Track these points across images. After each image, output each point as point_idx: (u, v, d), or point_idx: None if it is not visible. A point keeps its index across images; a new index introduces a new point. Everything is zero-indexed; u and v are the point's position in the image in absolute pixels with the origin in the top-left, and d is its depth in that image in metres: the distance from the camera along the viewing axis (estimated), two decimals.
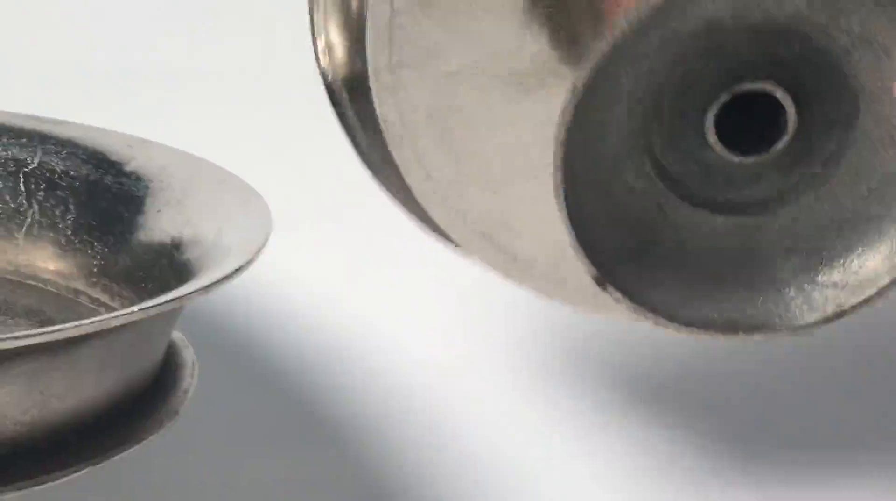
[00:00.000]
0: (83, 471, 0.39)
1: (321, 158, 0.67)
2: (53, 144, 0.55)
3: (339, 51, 0.46)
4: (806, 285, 0.38)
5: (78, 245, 0.53)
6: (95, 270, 0.52)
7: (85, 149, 0.55)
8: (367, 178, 0.61)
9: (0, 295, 0.54)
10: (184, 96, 0.70)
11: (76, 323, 0.38)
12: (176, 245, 0.48)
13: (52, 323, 0.47)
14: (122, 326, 0.39)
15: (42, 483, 0.39)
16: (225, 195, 0.50)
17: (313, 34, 0.46)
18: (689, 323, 0.38)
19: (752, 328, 0.38)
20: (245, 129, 0.67)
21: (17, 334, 0.39)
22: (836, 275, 0.38)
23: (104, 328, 0.39)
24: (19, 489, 0.39)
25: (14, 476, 0.39)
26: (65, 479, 0.39)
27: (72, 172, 0.54)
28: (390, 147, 0.43)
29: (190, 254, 0.47)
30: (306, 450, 0.67)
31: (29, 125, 0.56)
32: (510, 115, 0.43)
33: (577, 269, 0.35)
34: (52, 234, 0.54)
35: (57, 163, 0.55)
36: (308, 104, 0.70)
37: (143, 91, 0.71)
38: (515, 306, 0.66)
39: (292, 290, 0.66)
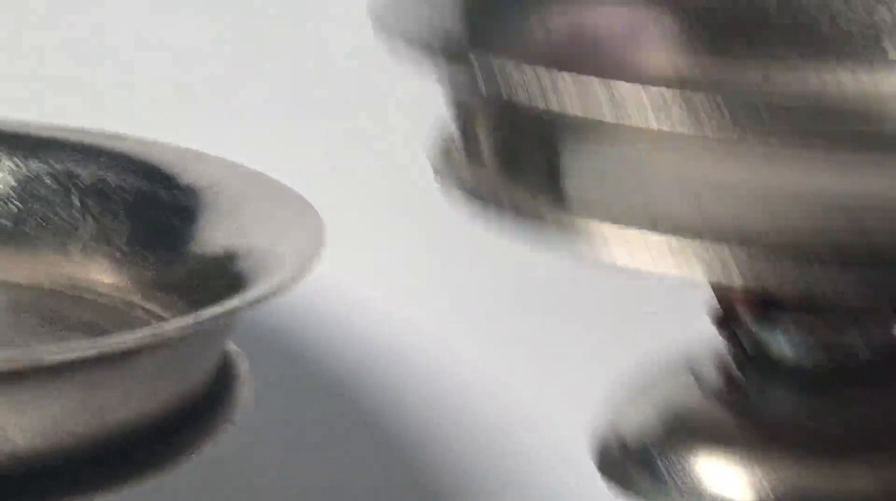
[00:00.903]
0: (141, 482, 0.39)
1: (375, 171, 0.68)
2: (107, 158, 0.55)
3: None
4: None
5: (133, 258, 0.53)
6: (150, 282, 0.52)
7: (139, 162, 0.55)
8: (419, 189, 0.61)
9: (56, 309, 0.54)
10: (235, 107, 0.71)
11: (132, 334, 0.38)
12: (230, 257, 0.48)
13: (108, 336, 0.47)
14: (178, 337, 0.39)
15: (98, 495, 0.38)
16: (279, 207, 0.49)
17: None
18: None
19: None
20: (301, 141, 0.67)
21: (72, 345, 0.39)
22: None
23: (160, 339, 0.39)
24: None
25: (69, 488, 0.39)
26: (122, 491, 0.39)
27: (126, 186, 0.54)
28: None
29: (243, 265, 0.47)
30: (357, 458, 0.67)
31: (84, 140, 0.56)
32: None
33: None
34: (107, 247, 0.54)
35: (111, 177, 0.55)
36: (363, 116, 0.70)
37: (194, 103, 0.71)
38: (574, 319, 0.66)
39: (345, 302, 0.66)
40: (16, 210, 0.55)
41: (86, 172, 0.55)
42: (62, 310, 0.54)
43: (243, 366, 0.46)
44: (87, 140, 0.56)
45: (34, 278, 0.55)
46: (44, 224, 0.55)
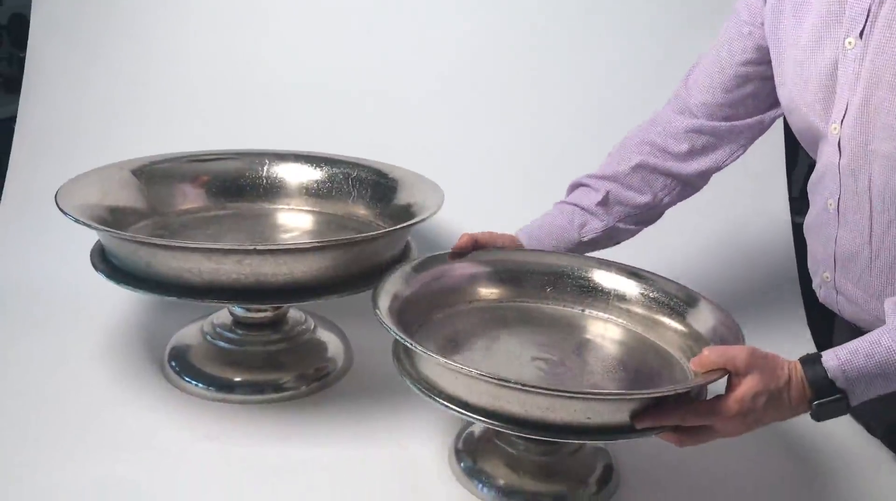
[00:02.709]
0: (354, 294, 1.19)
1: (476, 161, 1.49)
2: (362, 167, 1.41)
3: None
4: None
5: (372, 205, 1.39)
6: (378, 213, 1.37)
7: (374, 170, 1.40)
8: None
9: (340, 224, 1.37)
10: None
11: (371, 234, 1.19)
12: (409, 206, 1.31)
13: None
14: (398, 231, 1.20)
15: (324, 299, 1.16)
16: (426, 186, 1.31)
17: None
18: None
19: None
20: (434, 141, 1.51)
21: (323, 240, 1.21)
22: None
23: (390, 231, 1.19)
24: (316, 298, 1.17)
25: (315, 295, 1.15)
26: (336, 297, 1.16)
27: (368, 177, 1.40)
28: None
29: (414, 208, 1.29)
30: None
31: (350, 160, 1.43)
32: None
33: None
34: (362, 200, 1.41)
35: (363, 174, 1.40)
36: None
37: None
38: None
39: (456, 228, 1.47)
40: (327, 187, 1.40)
41: (354, 172, 1.39)
42: (343, 225, 1.36)
43: (415, 246, 1.28)
44: (352, 160, 1.43)
45: (333, 211, 1.41)
46: (338, 191, 1.40)
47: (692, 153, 1.25)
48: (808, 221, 1.20)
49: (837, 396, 0.93)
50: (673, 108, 1.28)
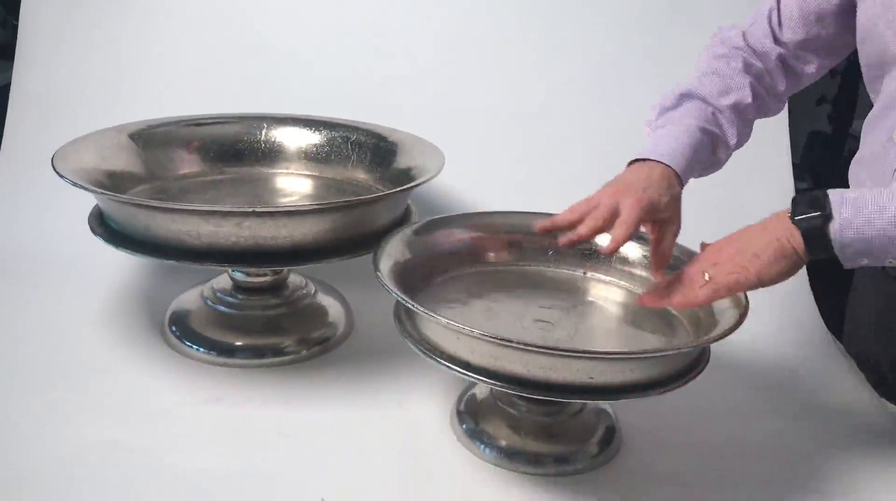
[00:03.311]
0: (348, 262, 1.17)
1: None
2: (361, 130, 1.40)
3: None
4: None
5: (372, 169, 1.37)
6: (378, 177, 1.36)
7: (373, 133, 1.38)
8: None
9: (340, 189, 1.36)
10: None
11: (372, 196, 1.18)
12: (409, 169, 1.29)
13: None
14: (398, 194, 1.19)
15: (324, 262, 1.14)
16: (427, 149, 1.29)
17: None
18: None
19: None
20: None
21: (330, 201, 1.20)
22: None
23: (390, 194, 1.18)
24: (316, 262, 1.15)
25: (314, 258, 1.14)
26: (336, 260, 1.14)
27: (368, 141, 1.39)
28: None
29: (414, 172, 1.27)
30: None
31: (349, 124, 1.41)
32: None
33: None
34: (362, 164, 1.39)
35: (362, 137, 1.39)
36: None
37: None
38: None
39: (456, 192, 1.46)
40: (326, 150, 1.39)
41: (353, 135, 1.38)
42: (342, 189, 1.35)
43: (415, 210, 1.27)
44: (351, 123, 1.41)
45: (332, 176, 1.39)
46: (337, 155, 1.39)
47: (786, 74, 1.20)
48: (859, 157, 1.16)
49: (820, 195, 0.93)
50: (762, 31, 1.19)
